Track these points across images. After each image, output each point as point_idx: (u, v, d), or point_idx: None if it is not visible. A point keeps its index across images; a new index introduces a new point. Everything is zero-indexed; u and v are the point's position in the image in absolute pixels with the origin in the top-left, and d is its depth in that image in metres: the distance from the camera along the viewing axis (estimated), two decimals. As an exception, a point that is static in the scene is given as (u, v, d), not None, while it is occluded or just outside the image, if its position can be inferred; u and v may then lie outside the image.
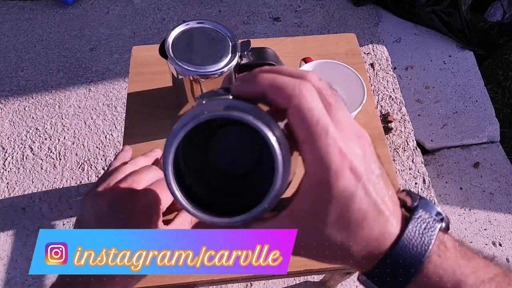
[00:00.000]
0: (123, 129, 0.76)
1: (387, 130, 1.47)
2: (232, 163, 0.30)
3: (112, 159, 0.44)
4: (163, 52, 0.63)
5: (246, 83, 0.26)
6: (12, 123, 1.49)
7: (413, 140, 1.46)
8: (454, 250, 0.25)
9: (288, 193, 0.26)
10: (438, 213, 0.26)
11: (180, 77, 0.65)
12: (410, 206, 0.27)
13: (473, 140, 1.54)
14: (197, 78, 0.63)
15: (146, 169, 0.40)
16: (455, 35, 1.75)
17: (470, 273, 0.24)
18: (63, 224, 1.29)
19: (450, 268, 0.24)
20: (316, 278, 1.22)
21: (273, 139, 0.23)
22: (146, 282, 0.64)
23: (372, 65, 1.64)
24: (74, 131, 1.47)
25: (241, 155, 0.30)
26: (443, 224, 0.26)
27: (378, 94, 1.56)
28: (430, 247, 0.24)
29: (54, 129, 1.48)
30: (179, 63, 0.62)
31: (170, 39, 0.63)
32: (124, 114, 1.05)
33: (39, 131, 1.47)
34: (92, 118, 1.51)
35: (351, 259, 0.25)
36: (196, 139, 0.29)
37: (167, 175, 0.24)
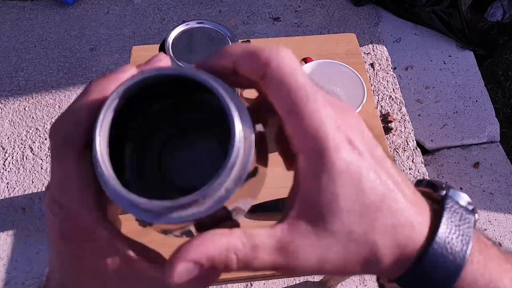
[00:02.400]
0: (123, 129, 0.75)
1: (387, 130, 1.47)
2: (190, 174, 0.25)
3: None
4: (163, 52, 0.63)
5: (212, 56, 0.22)
6: (12, 123, 1.49)
7: (413, 140, 1.46)
8: (494, 250, 0.21)
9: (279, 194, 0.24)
10: (469, 203, 0.22)
11: (180, 77, 0.65)
12: (436, 196, 0.23)
13: (473, 140, 1.54)
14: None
15: None
16: (455, 35, 1.75)
17: None
18: (63, 224, 1.29)
19: (495, 271, 0.20)
20: (316, 278, 1.22)
21: (226, 95, 0.19)
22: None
23: (372, 65, 1.64)
24: (74, 131, 1.47)
25: (202, 165, 0.25)
26: (477, 216, 0.22)
27: (378, 94, 1.56)
28: (471, 243, 0.20)
29: (54, 129, 1.48)
30: (179, 63, 0.62)
31: (170, 39, 0.63)
32: (124, 114, 1.05)
33: (39, 131, 1.47)
34: (92, 118, 1.51)
35: (380, 262, 0.20)
36: (150, 145, 0.25)
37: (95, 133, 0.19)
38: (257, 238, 0.20)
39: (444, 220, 0.20)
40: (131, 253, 0.21)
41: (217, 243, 0.19)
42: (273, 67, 0.20)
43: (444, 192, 0.23)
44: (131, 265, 0.21)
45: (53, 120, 1.46)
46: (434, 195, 0.23)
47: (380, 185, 0.20)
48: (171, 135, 0.25)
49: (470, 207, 0.22)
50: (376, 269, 0.20)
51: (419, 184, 0.25)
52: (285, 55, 0.20)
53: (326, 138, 0.19)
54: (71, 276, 0.21)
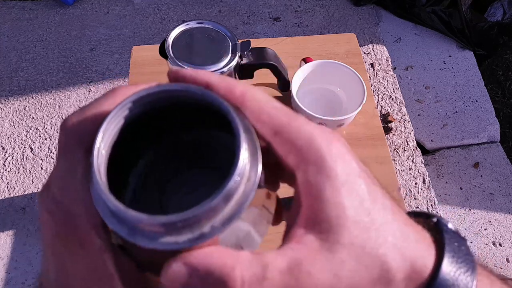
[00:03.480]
0: (123, 129, 0.75)
1: (387, 130, 1.47)
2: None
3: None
4: (163, 52, 0.63)
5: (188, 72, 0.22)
6: (12, 123, 1.49)
7: (413, 140, 1.46)
8: (496, 275, 0.21)
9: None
10: (457, 230, 0.22)
11: (180, 77, 0.65)
12: (427, 222, 0.23)
13: (473, 140, 1.54)
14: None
15: None
16: (455, 35, 1.75)
17: None
18: (63, 224, 1.29)
19: None
20: None
21: (232, 111, 0.19)
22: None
23: (372, 65, 1.64)
24: (74, 131, 1.47)
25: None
26: (468, 243, 0.22)
27: (378, 94, 1.56)
28: (476, 267, 0.20)
29: (54, 129, 1.48)
30: (179, 63, 0.62)
31: (170, 39, 0.63)
32: (124, 114, 1.05)
33: (39, 131, 1.47)
34: (92, 118, 1.51)
35: (392, 278, 0.19)
36: (151, 181, 0.24)
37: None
38: (266, 258, 0.18)
39: (446, 240, 0.20)
40: (112, 270, 0.20)
41: (221, 257, 0.17)
42: (249, 97, 0.20)
43: (435, 219, 0.22)
44: (110, 282, 0.20)
45: (53, 120, 1.47)
46: (424, 222, 0.22)
47: (382, 198, 0.20)
48: (177, 170, 0.24)
49: (461, 234, 0.22)
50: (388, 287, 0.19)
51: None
52: (256, 89, 0.21)
53: (321, 149, 0.19)
54: (64, 277, 0.21)
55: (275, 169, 0.22)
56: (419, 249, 0.19)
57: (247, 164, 0.18)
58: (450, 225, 0.22)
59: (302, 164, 0.19)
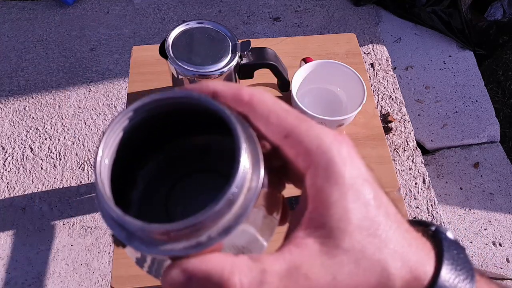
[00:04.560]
0: (123, 129, 0.75)
1: (387, 130, 1.47)
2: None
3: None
4: (163, 52, 0.63)
5: (193, 86, 0.22)
6: (12, 123, 1.49)
7: (413, 140, 1.46)
8: (495, 282, 0.22)
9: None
10: (456, 239, 0.23)
11: (180, 77, 0.65)
12: (425, 230, 0.23)
13: (473, 140, 1.54)
14: (197, 78, 0.63)
15: None
16: (455, 35, 1.75)
17: None
18: (63, 224, 1.29)
19: None
20: None
21: (233, 118, 0.18)
22: (146, 282, 0.65)
23: (372, 65, 1.64)
24: (74, 131, 1.47)
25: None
26: (467, 251, 0.22)
27: (378, 94, 1.56)
28: (474, 273, 0.20)
29: (54, 129, 1.48)
30: (179, 63, 0.62)
31: (170, 39, 0.63)
32: (124, 114, 1.05)
33: (39, 131, 1.47)
34: (92, 118, 1.51)
35: (391, 285, 0.19)
36: (159, 183, 0.24)
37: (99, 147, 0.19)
38: (264, 262, 0.18)
39: (445, 247, 0.20)
40: None
41: (219, 262, 0.17)
42: (257, 101, 0.20)
43: (434, 228, 0.22)
44: None
45: (53, 120, 1.47)
46: (423, 231, 0.22)
47: (386, 204, 0.20)
48: (185, 173, 0.24)
49: (461, 243, 0.22)
50: None
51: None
52: (264, 92, 0.21)
53: (331, 152, 0.19)
54: None
55: (281, 172, 0.22)
56: (419, 256, 0.19)
57: (247, 174, 0.18)
58: (449, 234, 0.22)
59: (311, 168, 0.19)
